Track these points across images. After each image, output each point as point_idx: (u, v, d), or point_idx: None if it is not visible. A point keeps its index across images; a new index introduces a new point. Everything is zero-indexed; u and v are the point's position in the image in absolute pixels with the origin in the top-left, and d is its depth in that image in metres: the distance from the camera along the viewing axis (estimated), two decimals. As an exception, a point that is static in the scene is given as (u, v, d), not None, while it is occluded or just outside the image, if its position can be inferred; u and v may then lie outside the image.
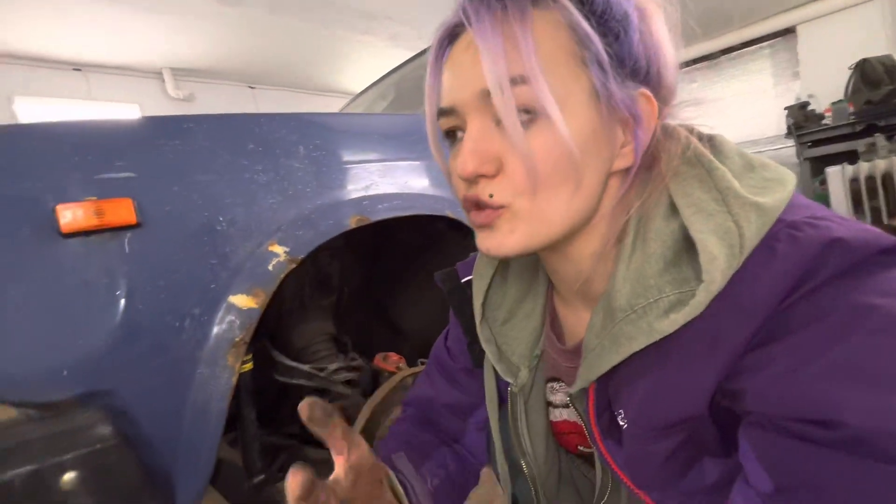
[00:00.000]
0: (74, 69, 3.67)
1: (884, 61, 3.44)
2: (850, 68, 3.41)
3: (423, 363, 1.13)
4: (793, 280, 0.28)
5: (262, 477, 0.99)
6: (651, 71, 0.36)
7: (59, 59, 3.50)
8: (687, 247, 0.33)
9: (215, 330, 0.68)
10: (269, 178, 0.78)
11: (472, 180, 0.36)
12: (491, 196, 0.36)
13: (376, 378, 1.17)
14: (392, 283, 1.47)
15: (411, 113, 1.49)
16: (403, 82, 2.00)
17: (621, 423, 0.38)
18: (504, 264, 0.52)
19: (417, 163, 1.02)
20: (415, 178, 1.01)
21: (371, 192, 0.91)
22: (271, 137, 0.81)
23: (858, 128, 2.87)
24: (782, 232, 0.29)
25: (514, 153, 0.35)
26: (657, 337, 0.31)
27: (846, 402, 0.25)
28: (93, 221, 0.59)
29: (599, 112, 0.35)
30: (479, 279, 0.51)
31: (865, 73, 3.43)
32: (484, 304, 0.50)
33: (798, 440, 0.27)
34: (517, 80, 0.33)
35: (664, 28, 0.36)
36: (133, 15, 3.03)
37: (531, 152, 0.33)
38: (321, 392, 1.13)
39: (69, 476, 0.55)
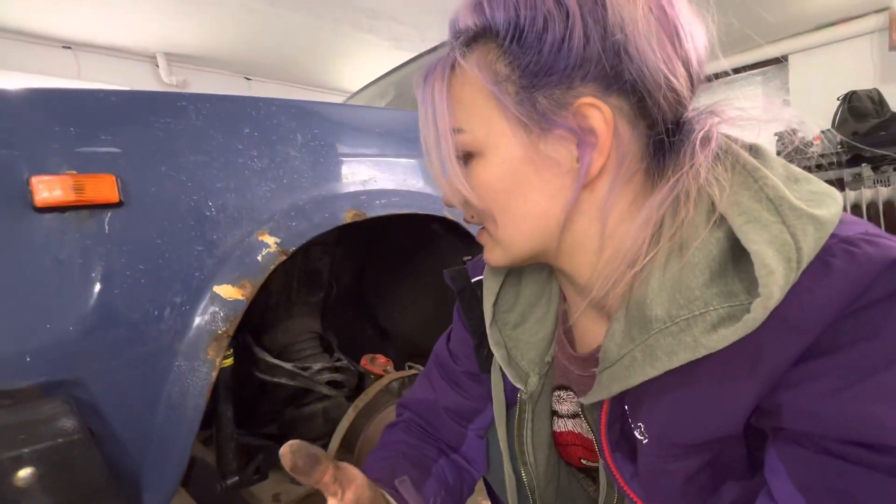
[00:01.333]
0: (64, 47, 3.57)
1: (871, 94, 3.54)
2: (838, 99, 3.51)
3: (410, 367, 1.09)
4: (848, 298, 0.26)
5: (235, 479, 0.95)
6: (614, 68, 0.33)
7: (49, 35, 3.40)
8: (734, 258, 0.31)
9: (197, 321, 0.64)
10: (263, 165, 0.74)
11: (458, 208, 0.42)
12: (472, 218, 0.42)
13: (362, 380, 1.14)
14: (382, 284, 1.44)
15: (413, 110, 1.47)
16: (404, 82, 1.97)
17: (639, 437, 0.36)
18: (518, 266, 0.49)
19: (417, 160, 1.00)
20: (413, 177, 0.98)
21: (369, 187, 0.88)
22: (269, 123, 0.77)
23: (845, 157, 2.94)
24: (837, 247, 0.28)
25: (465, 188, 0.39)
26: (703, 353, 0.29)
27: (894, 425, 0.24)
28: (70, 197, 0.55)
29: (527, 139, 0.36)
30: (490, 279, 0.49)
31: (853, 105, 3.53)
32: (495, 306, 0.48)
33: (839, 461, 0.26)
34: (457, 131, 0.37)
35: (640, 13, 0.32)
36: (129, -6, 2.96)
37: (474, 186, 0.38)
38: (304, 392, 1.09)
39: (25, 472, 0.50)
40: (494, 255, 0.42)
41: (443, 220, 1.01)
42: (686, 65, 0.34)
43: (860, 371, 0.26)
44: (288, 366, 1.04)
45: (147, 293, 0.61)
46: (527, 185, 0.37)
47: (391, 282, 1.41)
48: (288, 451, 0.33)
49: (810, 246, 0.28)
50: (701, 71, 0.36)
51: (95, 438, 0.55)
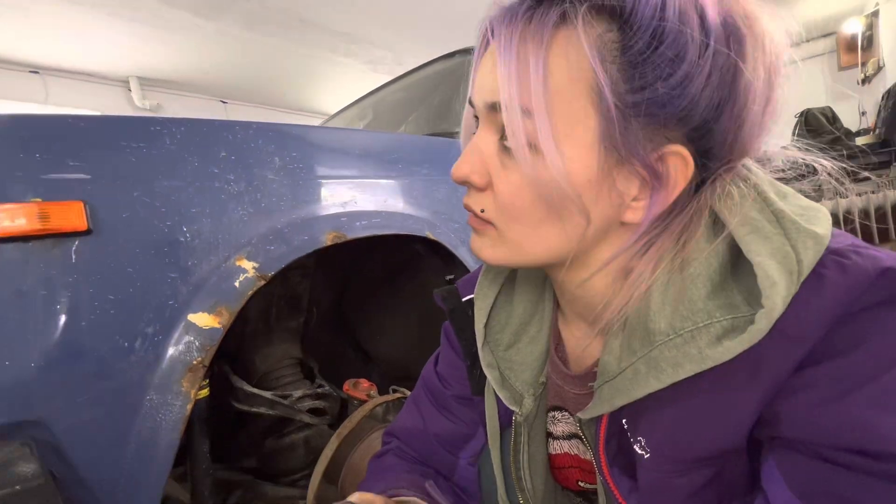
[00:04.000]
0: (32, 71, 3.48)
1: (824, 112, 3.78)
2: (795, 116, 3.72)
3: (395, 390, 1.07)
4: (841, 307, 0.27)
5: (211, 518, 0.89)
6: (713, 125, 0.31)
7: (15, 59, 3.32)
8: (733, 269, 0.31)
9: (170, 351, 0.62)
10: (240, 189, 0.73)
11: (464, 185, 0.37)
12: (482, 211, 0.36)
13: (344, 407, 1.10)
14: (363, 307, 1.42)
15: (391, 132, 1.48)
16: (382, 104, 2.00)
17: (640, 451, 0.35)
18: (510, 283, 0.49)
19: (397, 181, 1.00)
20: (394, 197, 0.98)
21: (349, 209, 0.88)
22: (245, 146, 0.76)
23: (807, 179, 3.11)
24: (828, 259, 0.28)
25: (505, 177, 0.34)
26: (709, 364, 0.29)
27: (890, 432, 0.25)
28: (35, 225, 0.52)
29: (605, 159, 0.32)
30: (481, 299, 0.47)
31: (808, 122, 3.75)
32: (487, 327, 0.47)
33: (836, 468, 0.26)
34: (524, 111, 0.31)
35: (759, 76, 0.30)
36: (99, 19, 2.92)
37: (536, 182, 0.32)
38: (284, 421, 1.05)
39: (-22, 524, 0.46)
40: (495, 253, 0.37)
41: (424, 241, 1.01)
42: (761, 130, 0.33)
43: (854, 378, 0.26)
44: (267, 394, 1.00)
45: (116, 324, 0.58)
46: (580, 202, 0.32)
47: (373, 304, 1.39)
48: None
49: (810, 259, 0.28)
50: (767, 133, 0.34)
51: (58, 483, 0.51)
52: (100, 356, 0.57)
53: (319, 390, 1.09)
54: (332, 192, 0.86)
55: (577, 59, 0.30)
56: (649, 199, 0.33)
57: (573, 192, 0.32)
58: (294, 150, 0.83)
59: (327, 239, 0.81)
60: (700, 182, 0.34)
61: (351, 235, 0.84)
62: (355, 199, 0.90)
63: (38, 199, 0.53)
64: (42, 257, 0.53)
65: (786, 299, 0.27)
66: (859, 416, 0.26)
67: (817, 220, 0.30)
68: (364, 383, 1.05)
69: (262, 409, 0.99)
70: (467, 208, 0.38)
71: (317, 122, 2.53)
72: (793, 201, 0.33)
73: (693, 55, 0.28)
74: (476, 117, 0.37)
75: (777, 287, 0.27)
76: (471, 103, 0.37)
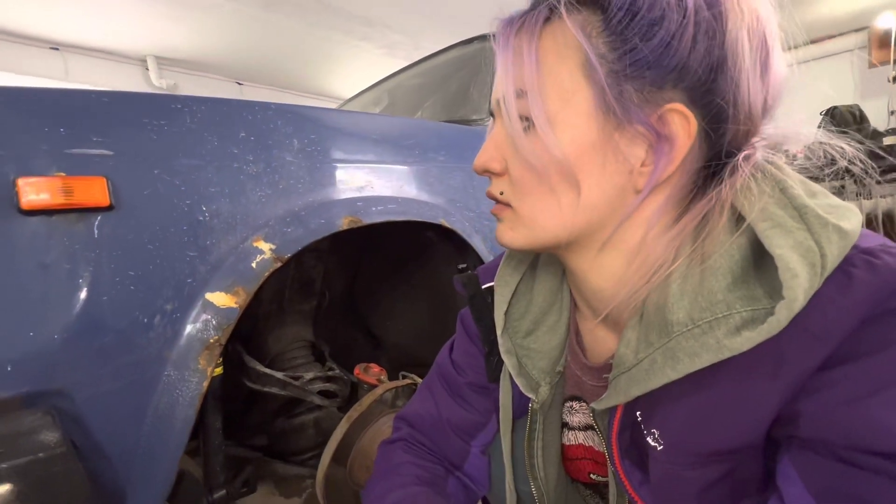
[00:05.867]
0: (52, 48, 3.51)
1: (852, 110, 3.65)
2: (821, 114, 3.61)
3: (405, 376, 1.07)
4: (869, 307, 0.26)
5: (223, 492, 0.91)
6: (711, 83, 0.32)
7: (36, 35, 3.35)
8: (755, 263, 0.31)
9: (188, 329, 0.62)
10: (259, 170, 0.73)
11: (485, 176, 0.41)
12: (501, 193, 0.39)
13: (354, 390, 1.11)
14: (375, 292, 1.42)
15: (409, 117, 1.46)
16: (398, 89, 1.98)
17: (653, 443, 0.35)
18: (531, 272, 0.49)
19: (415, 167, 0.99)
20: (411, 183, 0.97)
21: (365, 194, 0.87)
22: (265, 127, 0.76)
23: (828, 170, 3.02)
24: (858, 258, 0.28)
25: (514, 158, 0.38)
26: (726, 354, 0.29)
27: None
28: (59, 200, 0.53)
29: (602, 126, 0.34)
30: (502, 286, 0.48)
31: (835, 119, 3.64)
32: (507, 314, 0.47)
33: (853, 468, 0.26)
34: (519, 93, 0.35)
35: (747, 35, 0.32)
36: (119, -3, 2.93)
37: (527, 152, 0.36)
38: (295, 402, 1.06)
39: (3, 489, 0.47)
40: (514, 234, 0.39)
41: (438, 228, 1.01)
42: (765, 99, 0.34)
43: (878, 380, 0.26)
44: (279, 375, 1.01)
45: (136, 300, 0.59)
46: (586, 173, 0.34)
47: (384, 290, 1.40)
48: None
49: (834, 254, 0.28)
50: (774, 106, 0.35)
51: (78, 452, 0.53)
52: (120, 330, 0.57)
53: (330, 373, 1.11)
54: (348, 176, 0.86)
55: (564, 41, 0.34)
56: (654, 163, 0.34)
57: (566, 161, 0.34)
58: (312, 133, 0.83)
59: (343, 223, 0.81)
60: (720, 170, 0.34)
61: (367, 220, 0.84)
62: (371, 183, 0.89)
63: (62, 174, 0.54)
64: (65, 231, 0.54)
65: (807, 292, 0.27)
66: (879, 417, 0.25)
67: (845, 217, 0.30)
68: (374, 368, 1.06)
69: (274, 390, 1.01)
70: (490, 196, 0.41)
71: (332, 106, 2.52)
72: (823, 200, 0.32)
73: (673, 17, 0.31)
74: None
75: (798, 279, 0.27)
76: (491, 114, 0.42)
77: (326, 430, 1.07)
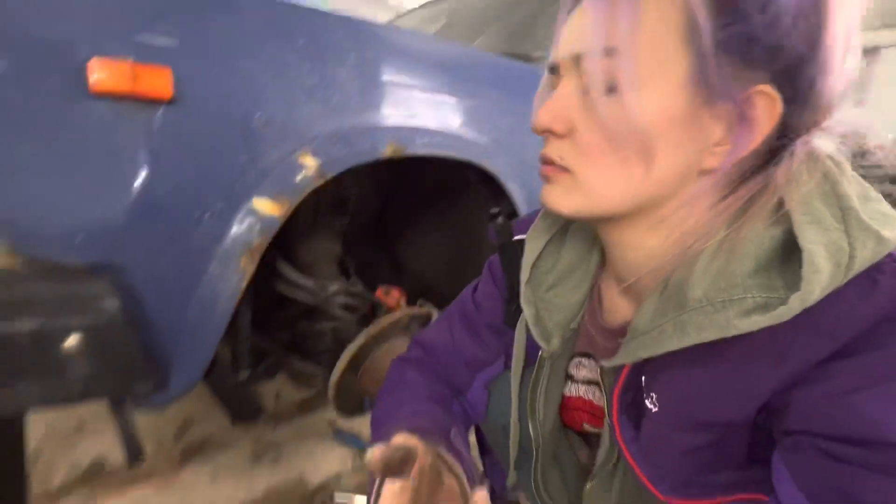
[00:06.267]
0: None
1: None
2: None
3: (422, 304, 1.13)
4: (885, 312, 0.28)
5: (246, 374, 1.02)
6: (800, 68, 0.31)
7: None
8: (783, 256, 0.32)
9: (234, 230, 0.66)
10: (313, 82, 0.72)
11: (543, 136, 0.39)
12: (561, 158, 0.37)
13: (373, 308, 1.18)
14: (404, 220, 1.45)
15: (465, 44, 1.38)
16: (458, 11, 1.85)
17: (650, 405, 0.38)
18: (562, 232, 0.50)
19: (466, 102, 0.96)
20: (458, 118, 0.95)
21: (412, 123, 0.86)
22: (324, 38, 0.74)
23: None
24: (889, 265, 0.29)
25: (586, 121, 0.35)
26: (732, 333, 0.30)
27: (892, 426, 0.26)
28: (125, 85, 0.54)
29: (692, 99, 0.32)
30: (533, 240, 0.50)
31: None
32: (533, 267, 0.50)
33: (838, 462, 0.28)
34: (608, 51, 0.33)
35: (842, 22, 0.30)
36: None
37: (607, 116, 0.33)
38: (317, 309, 1.14)
39: (71, 342, 0.54)
40: (567, 201, 0.38)
41: (478, 170, 0.99)
42: (842, 88, 0.33)
43: (870, 376, 0.27)
44: (307, 284, 1.07)
45: (190, 195, 0.62)
46: (664, 147, 0.33)
47: (414, 219, 1.42)
48: (377, 456, 0.34)
49: (865, 258, 0.28)
50: (846, 96, 0.33)
51: (133, 323, 0.59)
52: (173, 220, 0.61)
53: (353, 289, 1.17)
54: (398, 101, 0.84)
55: (665, 3, 0.32)
56: (732, 144, 0.33)
57: (649, 131, 0.33)
58: (370, 50, 0.80)
59: (387, 150, 0.81)
60: (778, 153, 0.33)
61: (410, 151, 0.84)
62: (420, 112, 0.88)
63: (131, 59, 0.55)
64: (129, 118, 0.56)
65: (825, 289, 0.28)
66: (862, 409, 0.27)
67: (888, 226, 0.30)
68: (395, 292, 1.12)
69: (300, 296, 1.08)
70: (545, 158, 0.39)
71: (389, 16, 2.37)
72: (874, 206, 0.32)
73: None
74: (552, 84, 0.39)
75: (819, 275, 0.28)
76: (550, 70, 0.39)
77: (343, 340, 1.15)
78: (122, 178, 0.57)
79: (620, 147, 0.34)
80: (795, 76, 0.31)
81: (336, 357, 1.04)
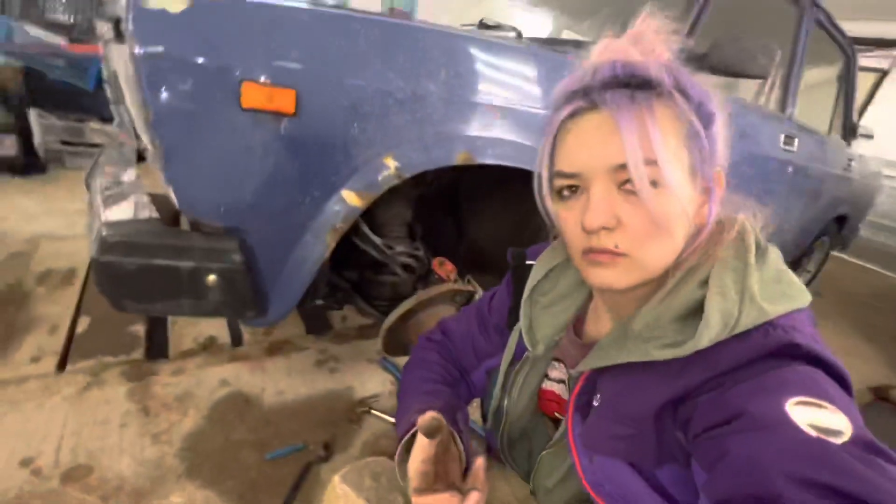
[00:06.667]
0: None
1: None
2: None
3: (469, 281, 1.29)
4: (749, 359, 0.41)
5: (320, 302, 1.28)
6: (721, 155, 0.48)
7: None
8: (697, 311, 0.45)
9: (326, 212, 0.85)
10: (405, 97, 0.84)
11: (594, 232, 0.46)
12: (616, 246, 0.46)
13: (428, 274, 1.36)
14: (475, 193, 1.56)
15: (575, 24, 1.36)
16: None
17: (595, 403, 0.53)
18: (564, 264, 0.63)
19: (538, 112, 1.02)
20: (530, 128, 1.02)
21: (486, 133, 0.96)
22: (422, 56, 0.84)
23: None
24: (762, 328, 0.42)
25: (630, 213, 0.45)
26: (648, 359, 0.45)
27: (748, 406, 0.38)
28: (264, 104, 0.71)
29: (693, 182, 0.46)
30: (538, 268, 0.64)
31: None
32: (534, 288, 0.64)
33: (719, 437, 0.39)
34: (648, 162, 0.43)
35: (725, 123, 0.47)
36: None
37: (658, 210, 0.44)
38: (384, 263, 1.35)
39: (212, 278, 0.79)
40: (627, 279, 0.47)
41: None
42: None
43: (737, 384, 0.40)
44: (378, 241, 1.27)
45: (297, 183, 0.81)
46: (684, 220, 0.46)
47: (484, 194, 1.53)
48: (427, 421, 0.50)
49: (747, 323, 0.42)
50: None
51: (248, 269, 0.82)
52: (285, 201, 0.81)
53: (415, 252, 1.35)
54: (476, 113, 0.94)
55: (670, 115, 0.45)
56: (710, 203, 0.48)
57: (687, 209, 0.46)
58: (459, 65, 0.89)
59: (459, 158, 0.92)
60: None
61: (480, 160, 0.95)
62: (494, 123, 0.96)
63: (269, 82, 0.71)
64: (264, 127, 0.74)
65: (713, 339, 0.42)
66: (731, 401, 0.39)
67: (777, 302, 0.43)
68: (448, 266, 1.28)
69: (370, 250, 1.29)
70: (600, 248, 0.46)
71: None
72: (779, 288, 0.45)
73: (710, 111, 0.47)
74: (570, 187, 0.48)
75: (710, 330, 0.42)
76: (566, 175, 0.48)
77: (399, 293, 1.37)
78: (253, 169, 0.77)
79: (666, 228, 0.45)
80: (722, 160, 0.49)
81: (391, 308, 1.26)
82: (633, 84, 0.44)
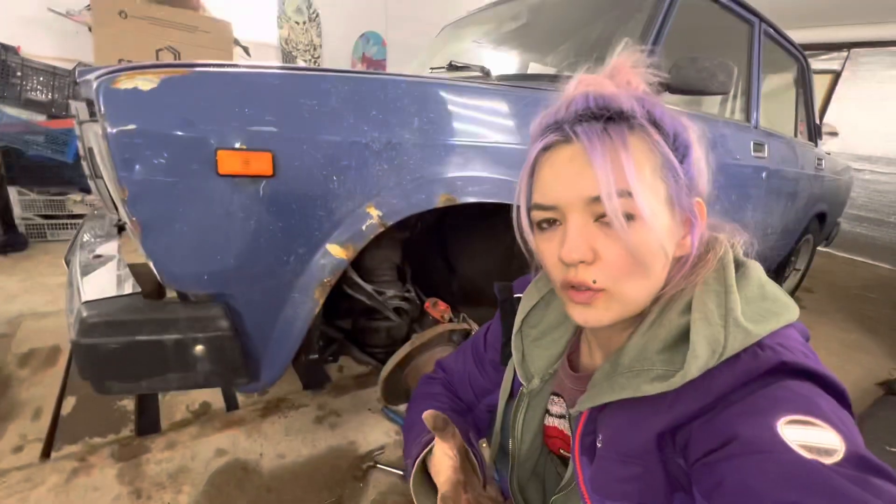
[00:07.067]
0: None
1: None
2: None
3: (464, 318, 1.27)
4: (740, 383, 0.40)
5: (315, 356, 1.24)
6: (700, 185, 0.48)
7: None
8: (683, 338, 0.44)
9: (311, 268, 0.84)
10: (381, 147, 0.85)
11: (572, 265, 0.46)
12: (594, 281, 0.45)
13: (423, 313, 1.35)
14: (459, 230, 1.57)
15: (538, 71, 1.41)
16: (541, 12, 1.84)
17: (598, 444, 0.50)
18: (551, 294, 0.62)
19: (514, 147, 1.04)
20: (507, 164, 1.03)
21: (464, 173, 0.97)
22: (393, 106, 0.86)
23: None
24: (751, 349, 0.41)
25: (608, 246, 0.45)
26: (640, 394, 0.44)
27: (739, 430, 0.37)
28: (241, 169, 0.72)
29: (672, 214, 0.46)
30: (526, 300, 0.64)
31: None
32: (524, 321, 0.63)
33: (714, 463, 0.38)
34: (622, 193, 0.43)
35: (703, 154, 0.48)
36: None
37: (634, 243, 0.43)
38: (376, 309, 1.33)
39: (200, 348, 0.76)
40: (609, 315, 0.47)
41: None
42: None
43: (728, 409, 0.39)
44: (368, 287, 1.26)
45: (282, 243, 0.80)
46: (661, 253, 0.45)
47: (469, 230, 1.54)
48: (430, 416, 0.54)
49: (734, 347, 0.41)
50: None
51: (238, 334, 0.80)
52: (269, 262, 0.80)
53: (407, 294, 1.33)
54: (453, 154, 0.95)
55: (644, 148, 0.44)
56: (692, 234, 0.48)
57: (664, 242, 0.45)
58: (432, 111, 0.91)
59: (440, 200, 0.93)
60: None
61: (461, 200, 0.95)
62: (472, 161, 0.98)
63: (244, 147, 0.72)
64: (243, 191, 0.74)
65: (701, 368, 0.41)
66: (722, 427, 0.38)
67: (763, 321, 0.42)
68: (441, 305, 1.27)
69: (361, 297, 1.27)
70: (579, 283, 0.46)
71: None
72: (763, 305, 0.44)
73: (686, 142, 0.48)
74: (548, 219, 0.48)
75: (697, 360, 0.41)
76: (543, 207, 0.47)
77: (395, 338, 1.34)
78: (235, 234, 0.76)
79: (644, 262, 0.44)
80: (703, 191, 0.49)
81: (387, 354, 1.23)
82: (606, 116, 0.45)
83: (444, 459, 0.55)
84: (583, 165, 0.44)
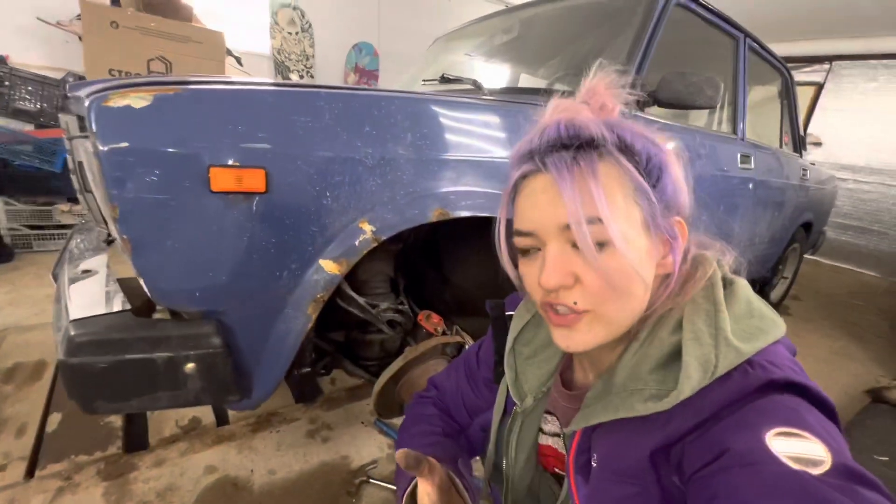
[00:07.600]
0: None
1: None
2: None
3: (457, 331, 1.27)
4: (732, 399, 0.41)
5: (307, 370, 1.23)
6: (679, 203, 0.48)
7: None
8: (675, 356, 0.45)
9: (304, 284, 0.84)
10: (374, 162, 0.86)
11: (554, 289, 0.47)
12: (575, 303, 0.46)
13: (416, 325, 1.34)
14: (452, 241, 1.57)
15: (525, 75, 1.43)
16: (532, 25, 1.86)
17: (594, 464, 0.50)
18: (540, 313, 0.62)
19: (507, 161, 1.04)
20: (499, 178, 1.04)
21: (457, 187, 0.97)
22: (386, 122, 0.87)
23: None
24: (741, 367, 0.42)
25: (588, 270, 0.45)
26: (634, 414, 0.44)
27: (730, 443, 0.38)
28: (234, 186, 0.71)
29: (649, 235, 0.46)
30: (518, 318, 0.64)
31: None
32: (516, 339, 0.63)
33: (709, 476, 0.39)
34: (593, 220, 0.43)
35: (681, 172, 0.48)
36: None
37: (608, 270, 0.44)
38: (367, 323, 1.32)
39: (191, 365, 0.75)
40: (592, 337, 0.47)
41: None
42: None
43: (720, 424, 0.40)
44: (361, 300, 1.25)
45: (275, 259, 0.80)
46: (638, 278, 0.45)
47: (463, 241, 1.54)
48: (403, 455, 0.51)
49: (726, 365, 0.42)
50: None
51: (230, 350, 0.79)
52: (261, 278, 0.80)
53: (400, 307, 1.33)
54: (446, 169, 0.96)
55: (615, 174, 0.45)
56: (673, 253, 0.48)
57: (638, 265, 0.45)
58: (425, 127, 0.92)
59: (434, 215, 0.93)
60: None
61: (454, 214, 0.96)
62: (465, 175, 0.98)
63: (237, 164, 0.71)
64: (235, 208, 0.73)
65: (694, 388, 0.41)
66: (714, 440, 0.39)
67: (753, 339, 0.43)
68: (434, 318, 1.26)
69: (354, 310, 1.26)
70: (560, 305, 0.47)
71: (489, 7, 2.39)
72: (752, 322, 0.45)
73: (660, 163, 0.47)
74: (529, 247, 0.49)
75: (690, 380, 0.42)
76: (523, 233, 0.48)
77: (388, 350, 1.34)
78: (227, 250, 0.75)
79: (623, 286, 0.45)
80: (683, 208, 0.49)
81: (380, 367, 1.22)
82: (576, 145, 0.45)
83: (423, 498, 0.54)
84: (556, 194, 0.45)
